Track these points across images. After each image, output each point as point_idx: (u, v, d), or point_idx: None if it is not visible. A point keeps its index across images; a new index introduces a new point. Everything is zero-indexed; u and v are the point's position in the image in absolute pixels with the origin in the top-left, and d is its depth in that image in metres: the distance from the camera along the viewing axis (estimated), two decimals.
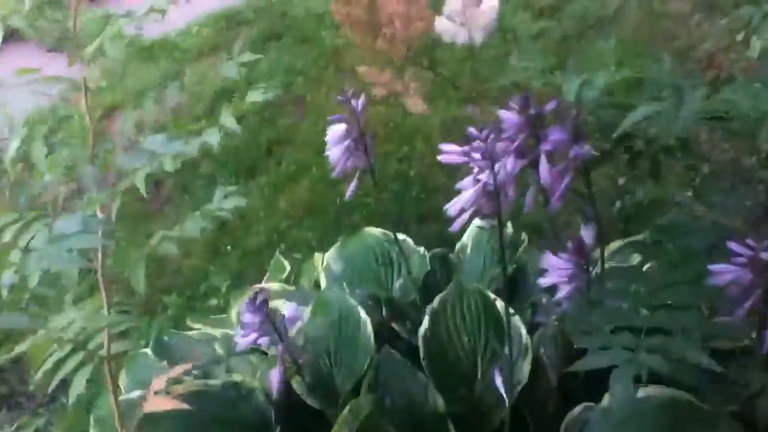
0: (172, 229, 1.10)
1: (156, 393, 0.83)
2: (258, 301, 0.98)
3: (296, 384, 1.11)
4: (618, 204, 1.52)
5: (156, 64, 2.92)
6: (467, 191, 0.77)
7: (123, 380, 1.29)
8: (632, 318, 0.78)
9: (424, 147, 2.16)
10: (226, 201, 1.23)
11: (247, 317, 1.00)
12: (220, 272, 1.99)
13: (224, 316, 1.67)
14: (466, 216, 0.79)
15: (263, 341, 1.03)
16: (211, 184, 2.34)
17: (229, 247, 2.06)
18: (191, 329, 1.48)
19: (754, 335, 0.80)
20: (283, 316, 1.02)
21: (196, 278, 2.00)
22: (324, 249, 1.69)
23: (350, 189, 1.08)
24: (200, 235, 1.13)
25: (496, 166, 0.74)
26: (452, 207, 0.78)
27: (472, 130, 0.74)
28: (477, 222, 1.39)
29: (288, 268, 1.64)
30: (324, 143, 1.04)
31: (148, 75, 2.85)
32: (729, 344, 0.86)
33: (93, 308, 1.05)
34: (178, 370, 0.87)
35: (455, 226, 0.79)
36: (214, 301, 1.90)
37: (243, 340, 1.02)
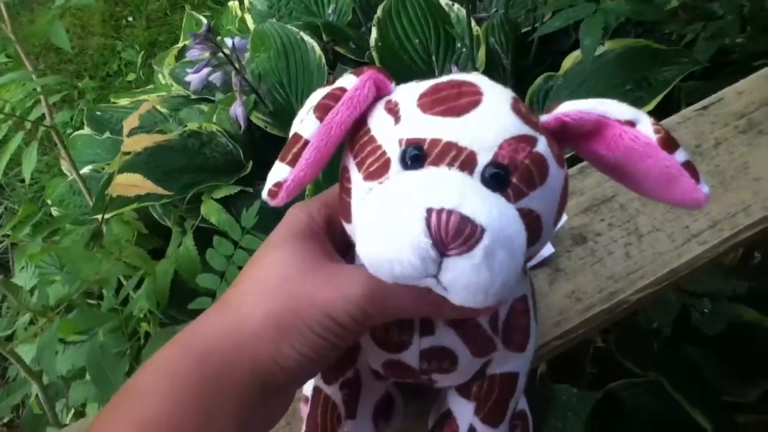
0: None
1: (130, 133, 0.80)
2: (204, 32, 0.92)
3: (256, 119, 1.10)
4: None
5: None
6: None
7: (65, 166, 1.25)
8: None
9: None
10: None
11: (195, 52, 0.95)
12: (129, 45, 1.85)
13: (150, 86, 1.60)
14: None
15: (216, 77, 1.00)
16: None
17: (131, 18, 1.90)
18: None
19: None
20: (231, 45, 0.97)
21: (106, 57, 1.86)
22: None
23: None
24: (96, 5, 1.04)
25: None
26: None
27: None
28: None
29: (204, 21, 1.54)
30: None
31: None
32: None
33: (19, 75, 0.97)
34: (146, 106, 0.83)
35: None
36: (132, 76, 1.79)
37: (196, 77, 0.98)
